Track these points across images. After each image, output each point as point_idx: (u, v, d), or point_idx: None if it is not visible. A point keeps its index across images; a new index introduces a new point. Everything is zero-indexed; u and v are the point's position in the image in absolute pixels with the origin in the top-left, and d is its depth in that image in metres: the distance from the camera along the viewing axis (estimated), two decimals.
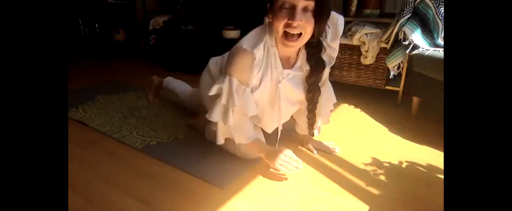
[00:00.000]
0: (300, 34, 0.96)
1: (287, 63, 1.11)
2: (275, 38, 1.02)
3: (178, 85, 1.79)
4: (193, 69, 2.63)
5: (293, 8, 0.92)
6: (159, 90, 1.93)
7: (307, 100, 1.19)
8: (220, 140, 1.16)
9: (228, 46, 1.28)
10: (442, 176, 1.17)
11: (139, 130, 1.53)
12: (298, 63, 1.11)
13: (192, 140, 1.44)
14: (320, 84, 1.17)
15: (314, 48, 1.07)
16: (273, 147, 1.16)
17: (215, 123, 1.15)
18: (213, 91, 1.08)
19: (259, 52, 1.02)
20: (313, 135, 1.30)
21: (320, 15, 0.93)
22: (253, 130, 1.18)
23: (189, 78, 2.16)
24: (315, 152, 1.34)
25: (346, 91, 2.15)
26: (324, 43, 1.08)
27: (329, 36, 1.07)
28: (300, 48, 1.09)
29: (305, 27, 0.94)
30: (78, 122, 1.62)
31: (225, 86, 1.04)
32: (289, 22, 0.92)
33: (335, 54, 1.12)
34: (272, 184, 1.12)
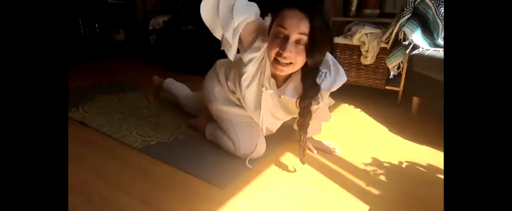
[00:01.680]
0: (290, 63, 0.97)
1: (278, 83, 1.13)
2: None
3: (179, 88, 1.79)
4: (193, 69, 2.64)
5: (286, 39, 0.94)
6: (159, 90, 1.93)
7: (297, 126, 1.13)
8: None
9: None
10: (442, 176, 1.17)
11: (139, 130, 1.52)
12: (282, 88, 1.11)
13: (192, 140, 1.44)
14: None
15: (310, 70, 1.03)
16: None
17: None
18: None
19: (262, 46, 1.03)
20: (304, 160, 1.20)
21: (312, 50, 0.94)
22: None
23: (189, 78, 2.16)
24: (315, 152, 1.34)
25: (346, 91, 2.15)
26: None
27: (324, 84, 1.04)
28: (290, 75, 1.08)
29: (295, 58, 0.96)
30: (78, 122, 1.62)
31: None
32: (280, 52, 0.94)
33: (320, 102, 1.09)
34: (272, 184, 1.12)
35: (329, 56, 1.06)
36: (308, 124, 1.11)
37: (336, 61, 1.08)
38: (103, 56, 3.38)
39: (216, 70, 1.33)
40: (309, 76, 1.03)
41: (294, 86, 1.09)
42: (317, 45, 0.94)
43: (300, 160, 1.20)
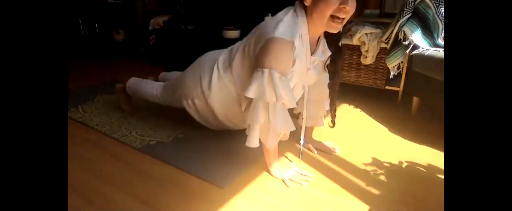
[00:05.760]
0: (344, 17, 0.98)
1: (311, 50, 1.11)
2: (308, 23, 1.02)
3: (143, 90, 1.61)
4: None
5: None
6: (129, 96, 1.74)
7: (328, 87, 1.20)
8: (256, 143, 1.06)
9: (228, 46, 1.28)
10: (442, 176, 1.17)
11: (139, 130, 1.52)
12: (320, 49, 1.12)
13: (192, 140, 1.44)
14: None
15: (334, 35, 1.07)
16: (280, 162, 1.19)
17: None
18: (251, 92, 0.99)
19: (297, 42, 0.99)
20: (334, 116, 1.25)
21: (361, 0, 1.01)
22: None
23: None
24: (315, 152, 1.34)
25: (346, 91, 2.15)
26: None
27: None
28: (318, 40, 1.11)
29: (350, 12, 0.98)
30: (78, 122, 1.62)
31: (266, 81, 0.97)
32: (342, 6, 0.95)
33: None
34: (272, 184, 1.12)
35: None
36: (337, 86, 1.20)
37: None
38: (103, 56, 3.38)
39: (209, 62, 1.26)
40: (334, 43, 1.11)
41: (322, 50, 1.13)
42: None
43: (331, 121, 1.27)
